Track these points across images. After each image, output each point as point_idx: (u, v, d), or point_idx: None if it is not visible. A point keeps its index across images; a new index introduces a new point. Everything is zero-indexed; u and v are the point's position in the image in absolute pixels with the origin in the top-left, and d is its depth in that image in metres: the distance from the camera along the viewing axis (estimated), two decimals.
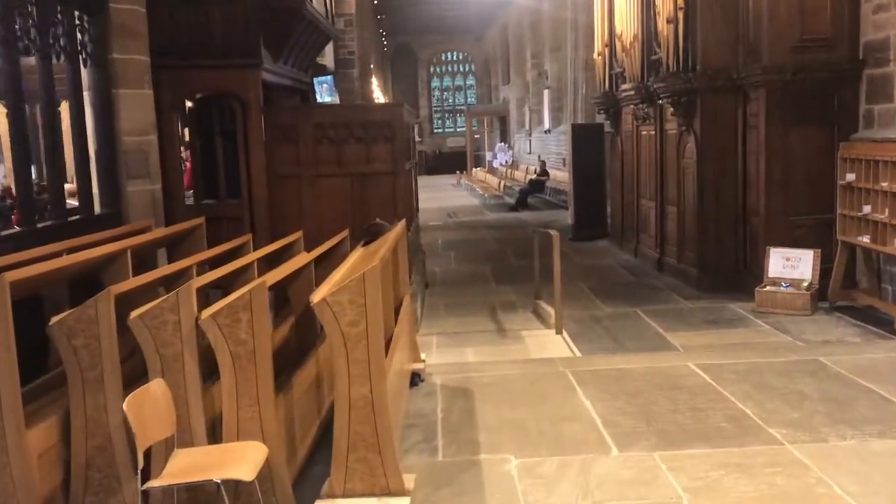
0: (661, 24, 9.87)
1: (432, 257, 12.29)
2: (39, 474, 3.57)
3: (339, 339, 3.72)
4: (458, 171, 32.52)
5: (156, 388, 3.58)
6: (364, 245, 5.63)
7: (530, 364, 6.62)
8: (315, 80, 9.73)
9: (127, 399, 3.29)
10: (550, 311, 7.98)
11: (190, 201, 7.80)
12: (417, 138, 37.49)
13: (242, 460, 3.47)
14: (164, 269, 4.54)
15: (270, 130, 7.50)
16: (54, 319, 3.74)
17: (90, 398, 3.76)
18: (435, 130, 41.42)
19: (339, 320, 3.71)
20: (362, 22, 19.61)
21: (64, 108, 6.46)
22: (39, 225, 5.61)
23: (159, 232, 5.91)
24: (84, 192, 6.45)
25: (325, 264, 5.62)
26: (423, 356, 6.21)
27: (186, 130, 8.08)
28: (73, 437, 3.76)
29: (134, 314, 3.77)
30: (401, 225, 6.00)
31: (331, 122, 7.59)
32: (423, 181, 31.80)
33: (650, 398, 5.53)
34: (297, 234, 5.99)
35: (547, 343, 7.42)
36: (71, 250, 4.77)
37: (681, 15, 9.29)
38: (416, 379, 5.94)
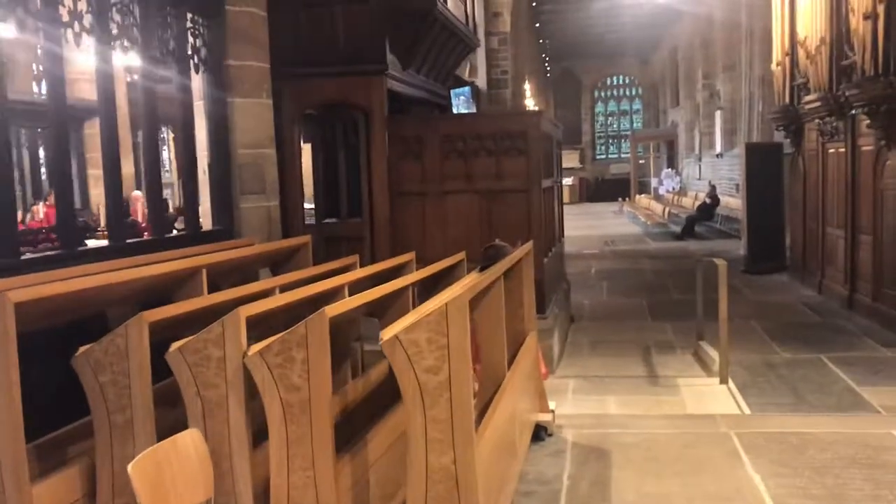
0: (856, 22, 8.38)
1: (583, 288, 11.21)
2: None
3: (413, 390, 2.85)
4: (619, 199, 31.02)
5: (187, 441, 2.84)
6: (480, 271, 4.75)
7: (686, 421, 5.47)
8: (452, 91, 9.04)
9: (134, 461, 2.56)
10: (714, 355, 6.74)
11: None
12: (578, 164, 36.52)
13: None
14: (234, 291, 3.85)
15: (394, 143, 6.81)
16: (81, 350, 3.12)
17: (118, 447, 3.10)
18: (597, 157, 40.03)
19: (415, 365, 2.84)
20: (518, 41, 18.89)
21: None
22: (130, 240, 5.16)
23: (253, 249, 5.31)
24: (191, 207, 6.01)
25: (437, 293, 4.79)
26: (552, 405, 5.22)
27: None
28: (98, 494, 3.11)
29: (174, 346, 3.09)
30: (526, 248, 5.07)
31: (460, 133, 6.78)
32: (583, 208, 30.68)
33: (843, 477, 4.27)
34: (408, 256, 5.21)
35: (708, 395, 6.20)
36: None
37: (881, 9, 7.81)
38: (541, 433, 4.96)
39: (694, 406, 5.96)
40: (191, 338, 3.08)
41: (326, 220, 7.14)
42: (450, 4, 7.65)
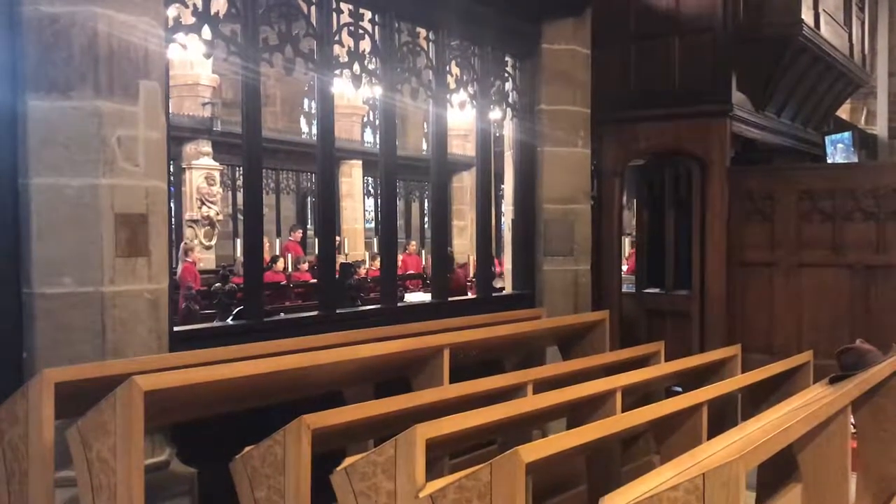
0: None
1: None
2: None
3: None
4: None
5: None
6: (830, 382, 3.32)
7: None
8: (826, 139, 7.31)
9: None
10: None
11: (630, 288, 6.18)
12: None
13: None
14: (462, 387, 2.97)
15: (736, 200, 5.48)
16: (242, 452, 2.48)
17: None
18: None
19: None
20: None
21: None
22: (402, 304, 4.62)
23: (537, 324, 4.44)
24: (482, 267, 5.35)
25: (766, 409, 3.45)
26: None
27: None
28: None
29: (343, 465, 2.32)
30: None
31: (825, 189, 5.23)
32: None
33: None
34: (729, 351, 3.93)
35: None
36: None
37: None
38: None
39: None
40: (360, 457, 2.28)
41: (648, 290, 6.02)
42: (824, 31, 6.11)
